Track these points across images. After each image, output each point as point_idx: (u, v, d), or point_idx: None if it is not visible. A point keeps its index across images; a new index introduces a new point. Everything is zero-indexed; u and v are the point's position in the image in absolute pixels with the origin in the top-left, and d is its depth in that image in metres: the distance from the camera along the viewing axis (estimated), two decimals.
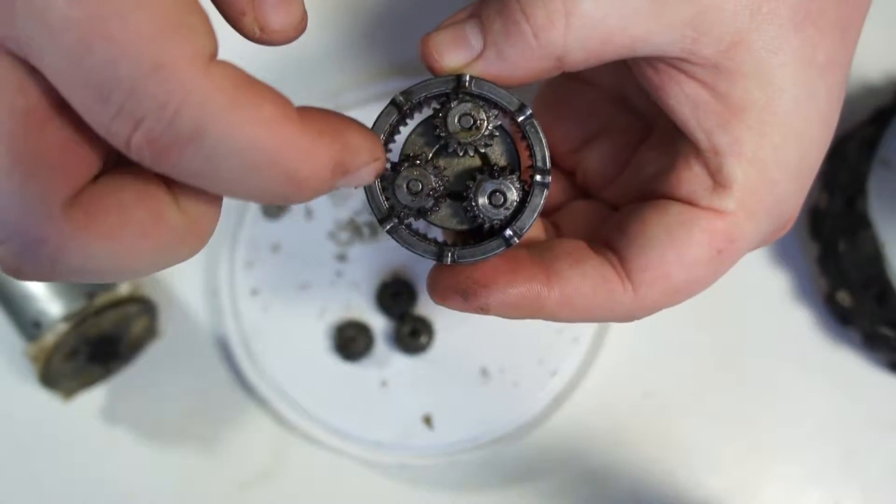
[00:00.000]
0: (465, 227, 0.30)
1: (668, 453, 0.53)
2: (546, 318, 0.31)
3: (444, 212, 0.30)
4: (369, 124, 0.28)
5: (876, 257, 0.49)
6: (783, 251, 0.55)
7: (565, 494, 0.53)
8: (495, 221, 0.29)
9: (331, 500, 0.54)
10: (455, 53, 0.29)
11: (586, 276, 0.30)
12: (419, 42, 0.30)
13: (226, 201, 0.27)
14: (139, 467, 0.54)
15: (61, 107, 0.23)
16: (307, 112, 0.24)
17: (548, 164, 0.29)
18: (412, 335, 0.53)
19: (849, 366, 0.54)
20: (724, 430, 0.54)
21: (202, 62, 0.21)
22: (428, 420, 0.53)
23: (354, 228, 0.55)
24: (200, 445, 0.55)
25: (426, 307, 0.54)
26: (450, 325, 0.54)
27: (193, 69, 0.21)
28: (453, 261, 0.29)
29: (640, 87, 0.31)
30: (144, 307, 0.52)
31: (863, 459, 0.53)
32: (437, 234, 0.33)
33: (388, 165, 0.29)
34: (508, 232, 0.29)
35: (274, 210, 0.55)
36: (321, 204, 0.55)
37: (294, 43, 0.28)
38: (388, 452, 0.52)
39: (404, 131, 0.30)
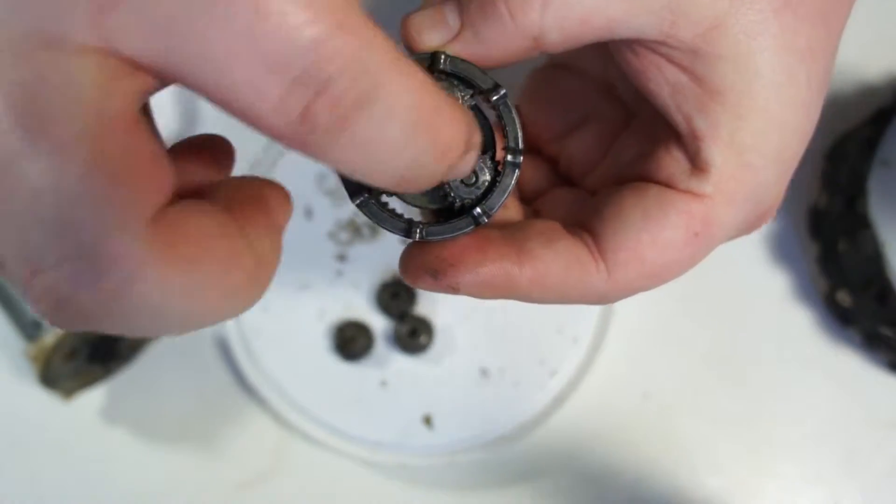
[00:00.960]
0: (436, 206, 0.30)
1: (668, 453, 0.53)
2: (518, 299, 0.30)
3: None
4: None
5: (876, 257, 0.49)
6: (783, 251, 0.55)
7: (565, 494, 0.53)
8: (466, 200, 0.29)
9: (331, 500, 0.54)
10: (433, 33, 0.29)
11: (559, 255, 0.30)
12: (400, 21, 0.29)
13: None
14: (139, 467, 0.54)
15: (148, 116, 0.21)
16: None
17: (520, 145, 0.29)
18: (412, 335, 0.53)
19: (849, 366, 0.54)
20: (724, 430, 0.54)
21: (367, 19, 0.20)
22: (428, 420, 0.53)
23: (354, 228, 0.55)
24: (200, 445, 0.55)
25: (426, 307, 0.54)
26: (450, 325, 0.54)
27: (367, 26, 0.20)
28: (421, 238, 0.29)
29: (625, 74, 0.31)
30: None
31: (863, 459, 0.53)
32: (415, 214, 0.32)
33: None
34: (477, 210, 0.29)
35: None
36: (321, 204, 0.55)
37: None
38: (387, 452, 0.52)
39: None
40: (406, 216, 0.30)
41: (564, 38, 0.28)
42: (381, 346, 0.54)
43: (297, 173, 0.54)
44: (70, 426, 0.54)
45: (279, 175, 0.54)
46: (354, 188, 0.29)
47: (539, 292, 0.30)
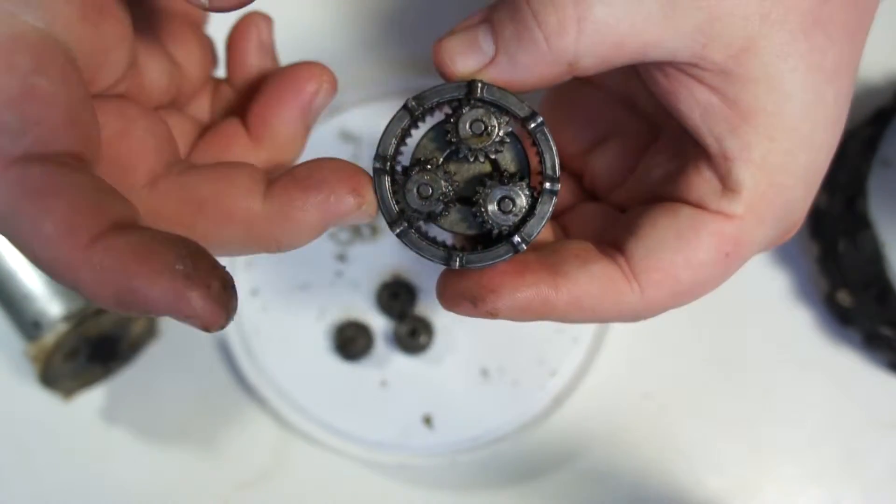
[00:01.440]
0: (474, 231, 0.30)
1: (668, 453, 0.53)
2: (555, 320, 0.31)
3: (454, 216, 0.30)
4: (380, 119, 0.29)
5: (876, 257, 0.49)
6: (783, 251, 0.55)
7: (565, 494, 0.53)
8: (504, 227, 0.29)
9: (331, 500, 0.54)
10: (467, 59, 0.29)
11: (594, 277, 0.30)
12: (432, 45, 0.30)
13: None
14: (139, 467, 0.54)
15: None
16: (122, 237, 0.24)
17: (557, 172, 0.29)
18: (411, 335, 0.53)
19: (849, 366, 0.54)
20: (724, 431, 0.54)
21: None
22: (428, 420, 0.53)
23: (354, 228, 0.55)
24: (200, 445, 0.55)
25: (426, 307, 0.54)
26: (450, 325, 0.54)
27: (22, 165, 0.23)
28: (461, 266, 0.29)
29: (647, 90, 0.31)
30: None
31: (863, 459, 0.53)
32: (446, 236, 0.33)
33: (400, 169, 0.29)
34: (517, 238, 0.29)
35: None
36: None
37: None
38: (388, 452, 0.52)
39: (416, 133, 0.30)
40: (443, 240, 0.30)
41: (599, 62, 0.28)
42: (381, 346, 0.54)
43: None
44: (70, 426, 0.54)
45: None
46: (394, 218, 0.29)
47: (575, 314, 0.30)
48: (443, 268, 0.30)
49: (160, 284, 0.23)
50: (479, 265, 0.29)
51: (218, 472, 0.54)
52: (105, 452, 0.55)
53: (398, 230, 0.29)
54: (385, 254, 0.54)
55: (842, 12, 0.29)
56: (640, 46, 0.28)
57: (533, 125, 0.29)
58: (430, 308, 0.54)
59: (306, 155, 0.59)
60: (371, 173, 0.29)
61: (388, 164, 0.29)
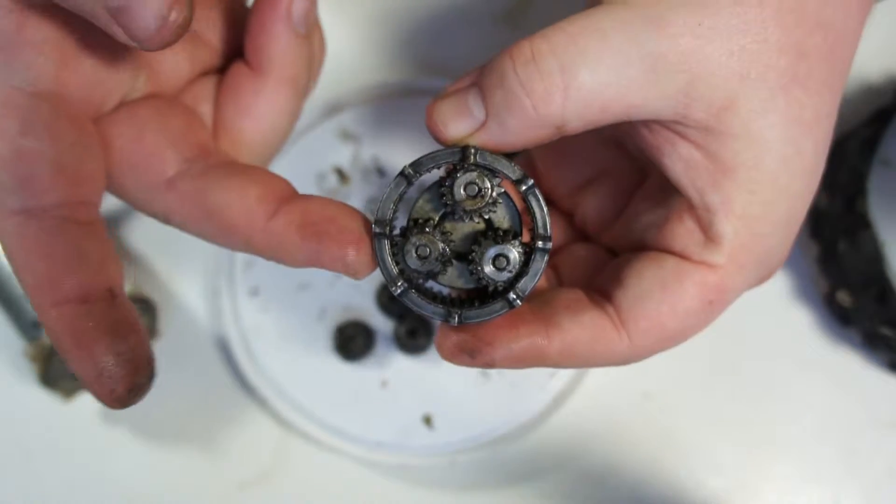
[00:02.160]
0: (471, 286, 0.32)
1: (668, 453, 0.53)
2: (547, 367, 0.32)
3: (451, 273, 0.31)
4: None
5: (876, 257, 0.49)
6: None
7: (565, 494, 0.53)
8: (499, 284, 0.30)
9: (331, 500, 0.54)
10: (459, 124, 0.30)
11: (585, 327, 0.31)
12: (426, 108, 0.31)
13: None
14: (139, 467, 0.54)
15: None
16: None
17: (548, 231, 0.30)
18: (410, 335, 0.53)
19: (849, 366, 0.54)
20: (724, 430, 0.54)
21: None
22: (428, 420, 0.53)
23: None
24: (200, 445, 0.55)
25: None
26: None
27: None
28: (460, 322, 0.30)
29: (633, 142, 0.32)
30: (144, 307, 0.52)
31: (863, 459, 0.53)
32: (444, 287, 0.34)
33: (398, 230, 0.31)
34: (512, 295, 0.30)
35: None
36: None
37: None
38: (388, 452, 0.52)
39: (411, 191, 0.31)
40: (439, 291, 0.32)
41: (585, 124, 0.29)
42: (381, 346, 0.54)
43: (296, 172, 0.54)
44: (70, 426, 0.54)
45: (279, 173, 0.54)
46: (394, 279, 0.31)
47: (567, 361, 0.32)
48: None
49: (81, 365, 0.29)
50: (476, 321, 0.31)
51: (218, 472, 0.54)
52: (105, 452, 0.55)
53: (398, 291, 0.30)
54: None
55: (819, 67, 0.30)
56: (625, 108, 0.29)
57: (524, 188, 0.30)
58: None
59: (308, 153, 0.59)
60: (364, 219, 0.31)
61: (387, 227, 0.30)
